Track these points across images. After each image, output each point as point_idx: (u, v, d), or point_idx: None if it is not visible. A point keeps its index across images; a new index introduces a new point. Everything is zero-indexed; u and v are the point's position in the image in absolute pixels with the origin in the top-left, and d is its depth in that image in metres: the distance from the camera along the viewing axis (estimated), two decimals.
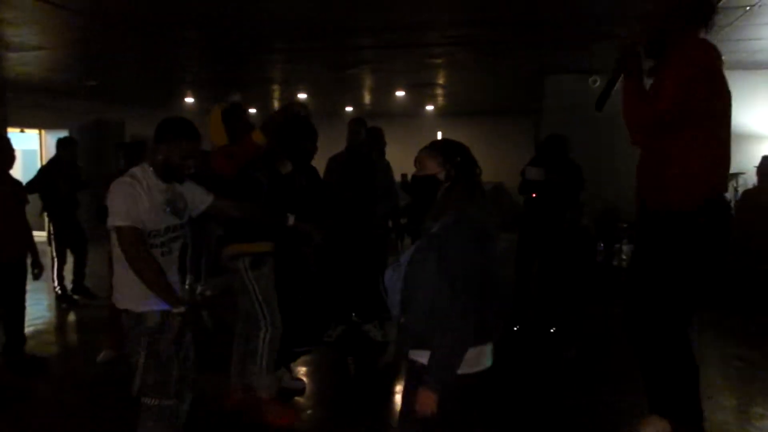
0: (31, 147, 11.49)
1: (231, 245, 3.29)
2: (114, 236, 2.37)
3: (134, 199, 2.36)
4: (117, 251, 2.38)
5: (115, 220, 2.34)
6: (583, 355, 4.57)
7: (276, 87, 11.26)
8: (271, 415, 3.23)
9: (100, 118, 11.48)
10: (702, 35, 2.72)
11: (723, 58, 2.71)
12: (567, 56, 7.37)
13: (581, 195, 5.28)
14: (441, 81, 9.77)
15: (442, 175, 2.05)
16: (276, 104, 13.66)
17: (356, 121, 5.16)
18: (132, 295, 2.41)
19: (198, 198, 2.68)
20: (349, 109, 13.40)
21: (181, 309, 2.36)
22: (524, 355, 4.61)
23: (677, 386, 2.82)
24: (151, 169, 2.49)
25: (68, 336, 5.39)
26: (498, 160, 11.54)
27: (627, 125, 2.76)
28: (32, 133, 11.12)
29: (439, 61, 7.81)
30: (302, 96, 11.58)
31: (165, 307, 2.39)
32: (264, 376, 3.27)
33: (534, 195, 5.16)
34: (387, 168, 5.31)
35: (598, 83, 8.04)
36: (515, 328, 5.05)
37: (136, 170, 2.48)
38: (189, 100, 11.98)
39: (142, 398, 2.44)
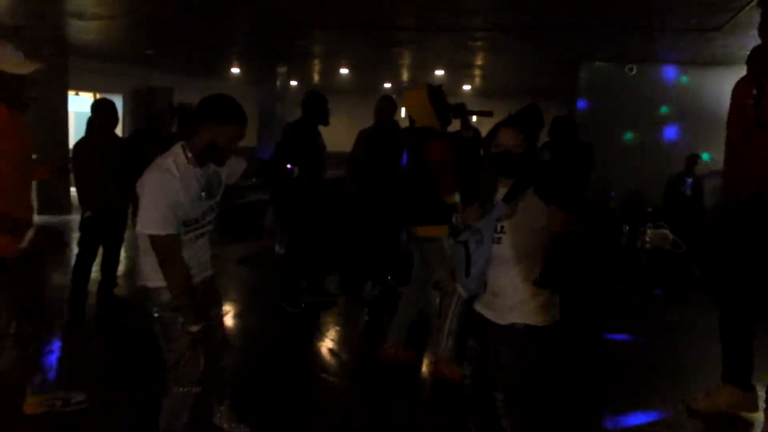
0: (84, 110, 12.10)
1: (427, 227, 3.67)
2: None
3: (171, 201, 2.18)
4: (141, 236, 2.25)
5: (149, 228, 2.18)
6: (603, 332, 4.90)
7: (317, 62, 11.63)
8: (446, 371, 3.58)
9: (151, 85, 12.02)
10: None
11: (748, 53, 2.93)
12: (603, 44, 7.56)
13: (592, 175, 5.47)
14: (479, 62, 10.01)
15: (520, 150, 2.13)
16: (317, 78, 14.06)
17: (384, 98, 5.43)
18: (150, 269, 2.27)
19: (233, 168, 2.55)
20: (387, 85, 13.69)
21: (196, 328, 2.25)
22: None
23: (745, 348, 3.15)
24: (189, 154, 2.26)
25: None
26: None
27: None
28: (86, 96, 11.70)
29: (479, 44, 8.07)
30: (343, 71, 11.93)
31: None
32: (448, 338, 3.66)
33: None
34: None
35: (634, 71, 8.24)
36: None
37: (169, 162, 2.23)
38: (235, 70, 12.41)
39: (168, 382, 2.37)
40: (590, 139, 5.91)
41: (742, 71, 3.07)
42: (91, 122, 4.50)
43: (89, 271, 4.37)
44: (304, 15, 6.85)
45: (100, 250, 4.49)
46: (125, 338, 4.08)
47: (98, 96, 11.52)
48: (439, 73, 11.27)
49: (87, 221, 4.28)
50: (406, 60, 10.25)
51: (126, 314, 4.52)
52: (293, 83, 14.34)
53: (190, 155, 2.27)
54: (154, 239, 2.19)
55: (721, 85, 6.64)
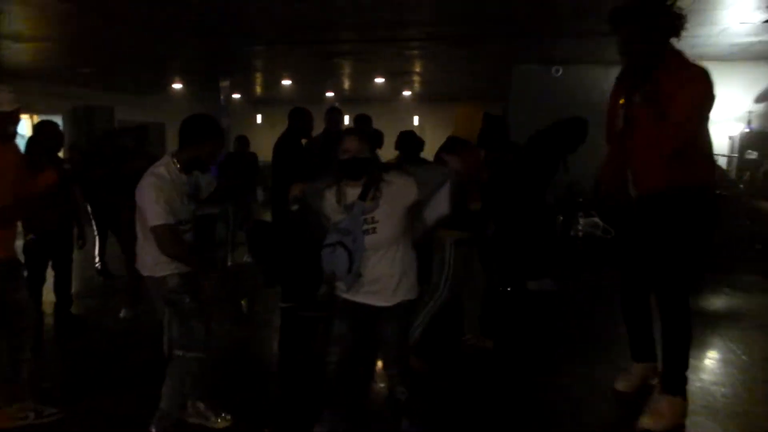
0: (24, 132, 11.84)
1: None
2: (142, 216, 2.66)
3: (166, 197, 2.61)
4: (142, 225, 2.68)
5: (155, 220, 2.58)
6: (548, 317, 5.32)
7: (260, 74, 11.81)
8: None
9: (90, 104, 11.90)
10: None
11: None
12: (533, 48, 8.06)
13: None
14: (417, 69, 10.43)
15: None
16: (259, 90, 14.19)
17: (334, 109, 5.73)
18: (153, 262, 2.69)
19: (207, 182, 2.92)
20: (329, 94, 13.95)
21: (212, 279, 2.91)
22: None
23: (685, 353, 3.12)
24: (177, 165, 2.71)
25: (99, 300, 5.93)
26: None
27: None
28: (25, 118, 11.48)
29: (416, 52, 8.47)
30: (286, 82, 12.13)
31: (183, 270, 2.73)
32: (416, 329, 3.94)
33: None
34: None
35: (560, 72, 8.79)
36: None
37: (161, 169, 2.67)
38: (177, 86, 12.42)
39: (174, 351, 2.81)
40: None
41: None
42: (30, 144, 4.38)
43: (40, 293, 4.34)
44: (242, 30, 7.06)
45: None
46: (86, 354, 4.21)
47: (37, 118, 11.35)
48: (380, 80, 11.63)
49: (30, 244, 4.30)
50: (347, 70, 10.56)
51: (83, 332, 4.65)
52: (236, 96, 14.44)
53: (178, 165, 2.75)
54: (158, 230, 2.61)
55: None
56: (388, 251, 2.49)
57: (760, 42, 6.78)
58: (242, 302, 5.76)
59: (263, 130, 15.10)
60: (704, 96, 2.93)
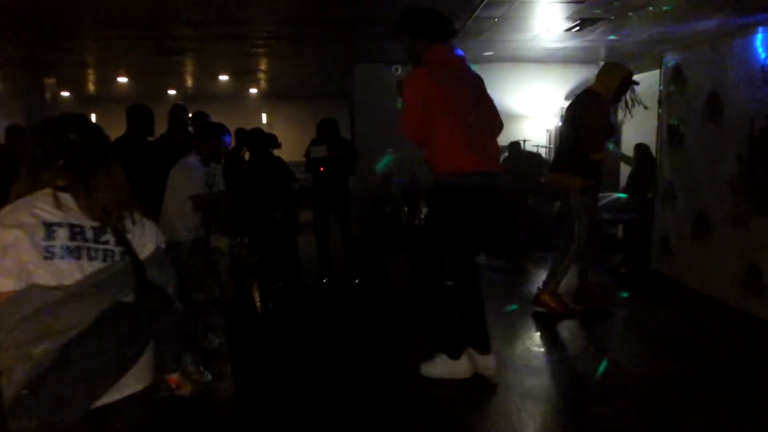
0: None
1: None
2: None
3: (195, 176, 3.88)
4: (169, 195, 3.84)
5: (191, 190, 3.84)
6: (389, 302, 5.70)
7: (92, 71, 11.05)
8: (552, 303, 4.83)
9: None
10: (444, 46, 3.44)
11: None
12: (373, 47, 8.45)
13: (357, 164, 6.41)
14: (263, 67, 10.42)
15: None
16: (92, 87, 13.23)
17: (177, 108, 5.67)
18: (180, 229, 3.79)
19: (219, 175, 4.10)
20: (172, 92, 13.43)
21: (225, 242, 4.03)
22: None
23: (444, 322, 3.53)
24: (199, 157, 3.94)
25: None
26: None
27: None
28: None
29: (260, 50, 8.48)
30: (122, 79, 11.48)
31: (193, 236, 3.84)
32: (553, 277, 4.79)
33: (321, 169, 6.12)
34: None
35: (399, 71, 9.30)
36: (324, 281, 6.13)
37: (190, 159, 3.93)
38: None
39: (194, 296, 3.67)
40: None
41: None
42: None
43: None
44: (69, 23, 6.63)
45: None
46: None
47: None
48: (224, 78, 11.44)
49: None
50: (189, 67, 10.26)
51: None
52: (65, 94, 13.35)
53: (200, 158, 3.95)
54: (196, 198, 3.83)
55: None
56: None
57: (565, 47, 7.73)
58: None
59: None
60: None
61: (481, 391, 3.54)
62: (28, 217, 1.51)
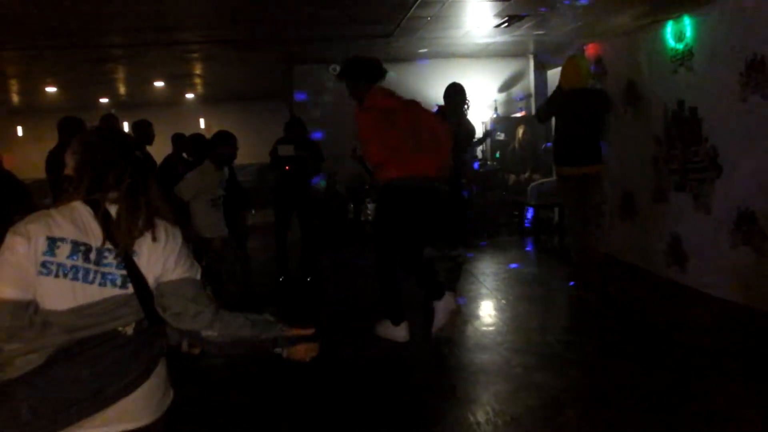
0: None
1: None
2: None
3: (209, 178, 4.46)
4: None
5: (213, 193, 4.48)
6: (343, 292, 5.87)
7: (15, 81, 10.67)
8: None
9: None
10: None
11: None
12: (311, 49, 8.55)
13: (323, 165, 6.49)
14: (199, 72, 10.32)
15: None
16: (16, 98, 12.75)
17: (109, 116, 5.68)
18: (206, 227, 4.34)
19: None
20: (104, 100, 13.08)
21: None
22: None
23: (391, 297, 4.28)
24: (212, 161, 4.50)
25: None
26: (258, 142, 12.47)
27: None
28: None
29: (195, 55, 8.43)
30: (50, 89, 11.12)
31: (224, 234, 4.46)
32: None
33: (287, 168, 6.24)
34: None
35: (337, 71, 9.43)
36: (281, 279, 6.23)
37: (206, 163, 4.50)
38: None
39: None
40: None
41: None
42: None
43: None
44: None
45: None
46: None
47: None
48: (159, 84, 11.26)
49: None
50: (121, 74, 10.06)
51: None
52: None
53: (214, 163, 4.51)
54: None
55: (411, 77, 8.30)
56: None
57: (495, 42, 8.08)
58: None
59: (26, 143, 13.65)
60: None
61: (437, 369, 3.84)
62: (41, 227, 1.46)
